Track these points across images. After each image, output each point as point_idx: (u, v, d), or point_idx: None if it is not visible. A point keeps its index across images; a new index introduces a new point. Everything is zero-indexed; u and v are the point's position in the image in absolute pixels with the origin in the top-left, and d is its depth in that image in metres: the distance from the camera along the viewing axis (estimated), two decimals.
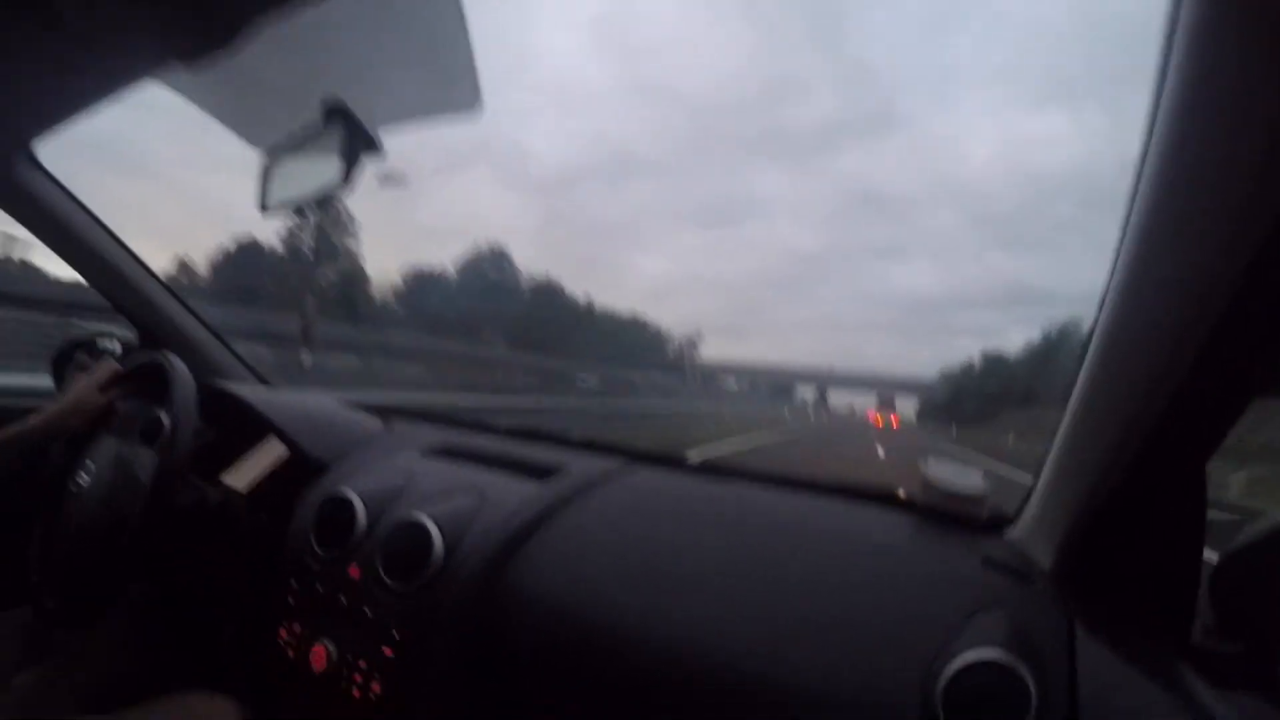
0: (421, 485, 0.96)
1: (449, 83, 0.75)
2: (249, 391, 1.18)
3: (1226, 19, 0.39)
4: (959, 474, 0.89)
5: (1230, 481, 8.34)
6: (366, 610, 0.84)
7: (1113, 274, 0.60)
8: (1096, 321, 0.64)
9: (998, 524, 0.87)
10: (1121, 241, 0.58)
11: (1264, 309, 0.49)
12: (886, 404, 42.00)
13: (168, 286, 1.31)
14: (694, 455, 1.21)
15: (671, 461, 1.15)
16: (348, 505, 0.91)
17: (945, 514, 0.87)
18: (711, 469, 1.11)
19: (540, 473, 0.97)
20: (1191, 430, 0.61)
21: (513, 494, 0.91)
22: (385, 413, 1.34)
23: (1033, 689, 0.58)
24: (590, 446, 1.19)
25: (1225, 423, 0.61)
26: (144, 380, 1.06)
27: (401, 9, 0.70)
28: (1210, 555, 0.67)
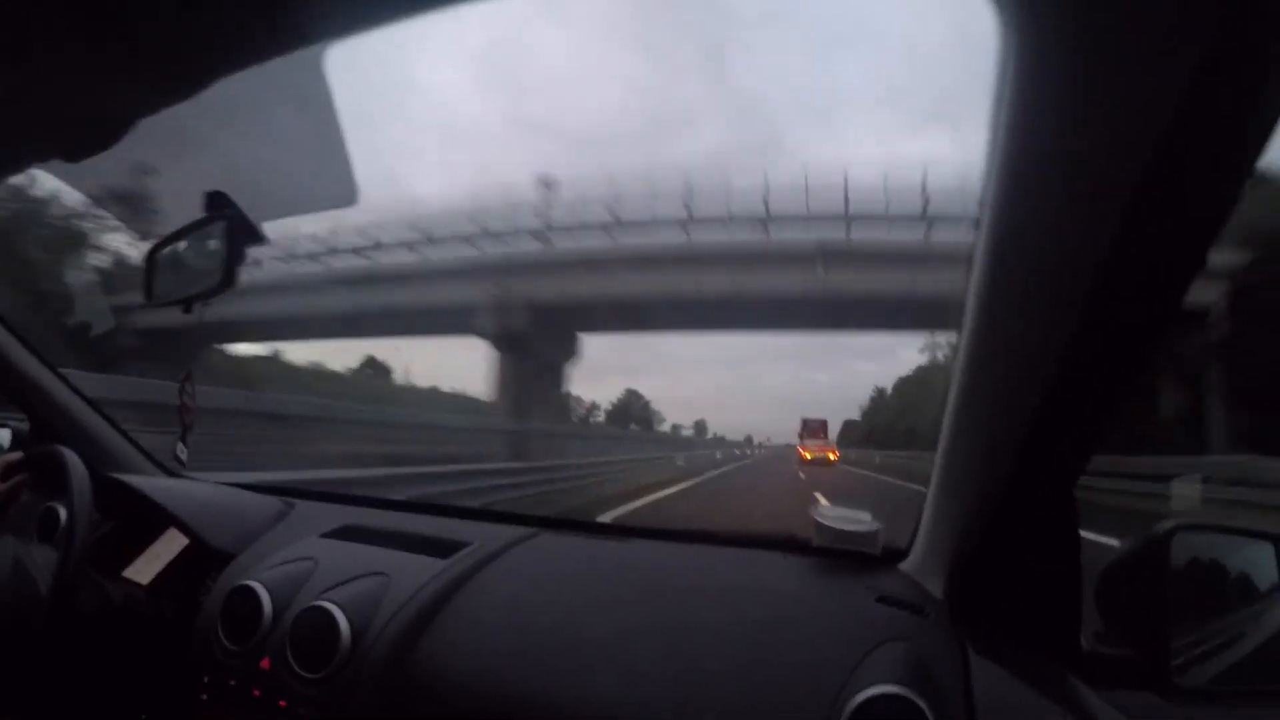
0: (325, 569, 0.94)
1: (327, 181, 0.76)
2: (146, 482, 1.12)
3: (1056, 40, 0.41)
4: (849, 514, 0.93)
5: None
6: (281, 703, 0.81)
7: (965, 305, 0.62)
8: (956, 354, 0.66)
9: (892, 557, 0.90)
10: (969, 274, 0.59)
11: (1112, 334, 0.52)
12: (815, 430, 29.94)
13: (58, 373, 1.25)
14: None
15: (574, 525, 1.17)
16: (253, 596, 0.88)
17: (842, 553, 0.90)
18: (613, 529, 1.15)
19: (445, 549, 0.96)
20: (1054, 457, 0.65)
21: (416, 572, 0.90)
22: (286, 493, 1.30)
23: (930, 717, 0.60)
24: (493, 516, 1.20)
25: (1087, 447, 0.65)
26: (38, 472, 1.01)
27: (279, 114, 0.71)
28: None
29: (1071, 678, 0.69)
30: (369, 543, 1.02)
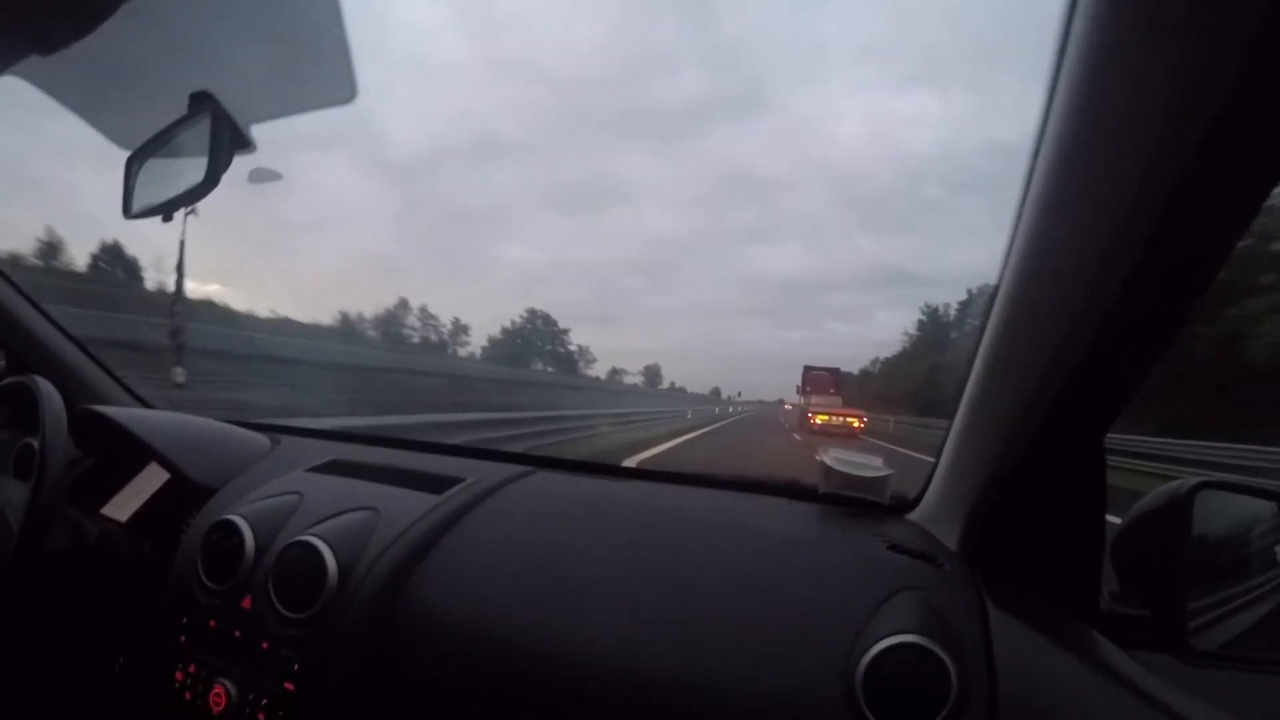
0: (312, 504, 0.90)
1: (322, 70, 0.71)
2: (125, 414, 1.08)
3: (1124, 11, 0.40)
4: (859, 459, 0.90)
5: None
6: (264, 644, 0.78)
7: (1009, 254, 0.61)
8: (993, 301, 0.65)
9: (901, 507, 0.88)
10: (1019, 221, 0.58)
11: (1158, 289, 0.50)
12: (823, 384, 22.39)
13: (37, 304, 1.20)
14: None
15: (571, 465, 1.13)
16: (235, 531, 0.85)
17: (849, 500, 0.88)
18: (612, 470, 1.12)
19: (438, 484, 0.93)
20: (1089, 406, 0.63)
21: (408, 507, 0.87)
22: (273, 430, 1.26)
23: (951, 668, 0.58)
24: (488, 454, 1.16)
25: (1122, 398, 0.63)
26: (12, 406, 0.97)
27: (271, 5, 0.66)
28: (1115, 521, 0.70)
29: (1094, 632, 0.66)
30: (358, 477, 0.98)
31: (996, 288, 0.64)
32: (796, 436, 14.82)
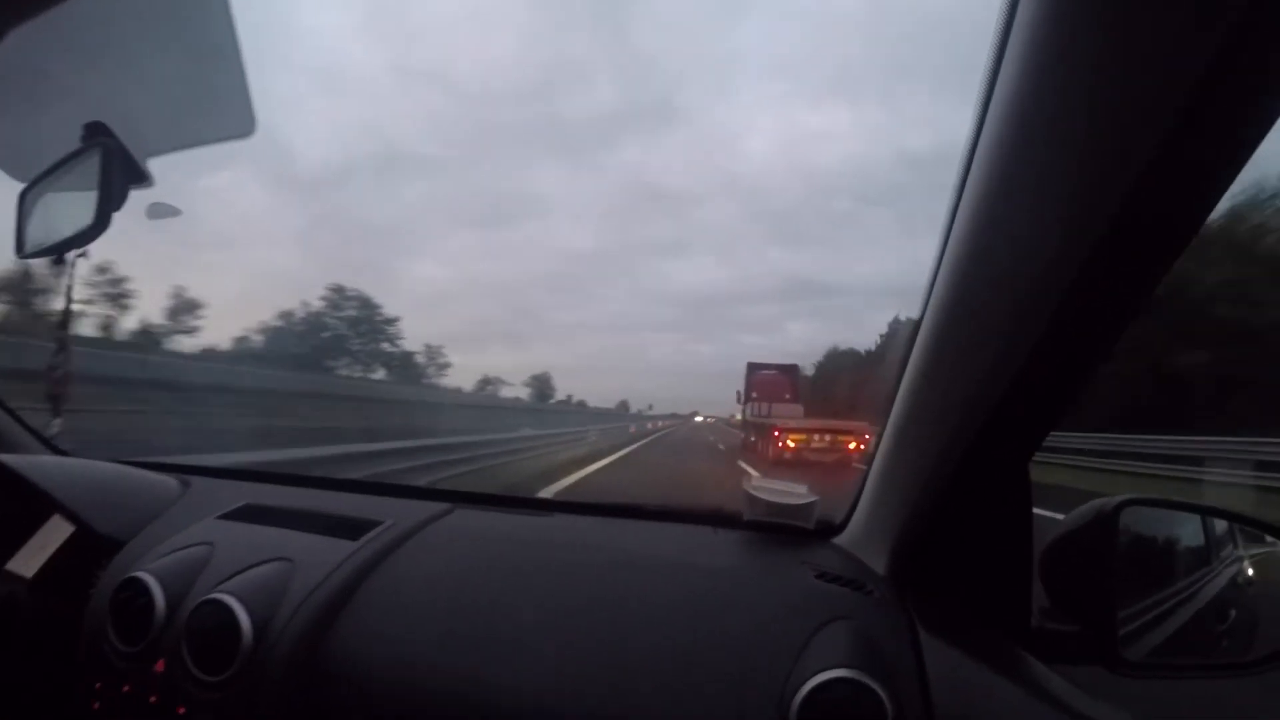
0: (225, 556, 0.86)
1: (220, 104, 0.68)
2: (24, 463, 1.01)
3: (1062, 25, 0.40)
4: (783, 487, 0.90)
5: None
6: (179, 709, 0.73)
7: (934, 281, 0.62)
8: (918, 328, 0.65)
9: (827, 531, 0.89)
10: (944, 248, 0.59)
11: (1086, 320, 0.51)
12: (776, 389, 15.89)
13: None
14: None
15: (491, 499, 1.11)
16: (144, 589, 0.80)
17: (774, 527, 0.88)
18: (532, 503, 1.10)
19: (354, 528, 0.90)
20: (1015, 431, 0.64)
21: (324, 556, 0.84)
22: (182, 471, 1.20)
23: (886, 701, 0.58)
24: (405, 492, 1.13)
25: (1048, 424, 0.64)
26: None
27: (170, 31, 0.63)
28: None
29: (1024, 653, 0.67)
30: (272, 524, 0.94)
31: (922, 314, 0.65)
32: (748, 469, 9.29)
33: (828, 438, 11.58)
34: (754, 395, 16.60)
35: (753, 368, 18.28)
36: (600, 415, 32.19)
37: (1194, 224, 0.45)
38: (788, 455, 11.46)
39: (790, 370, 18.67)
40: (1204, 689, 0.75)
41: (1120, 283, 0.49)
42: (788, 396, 15.91)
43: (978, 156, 0.52)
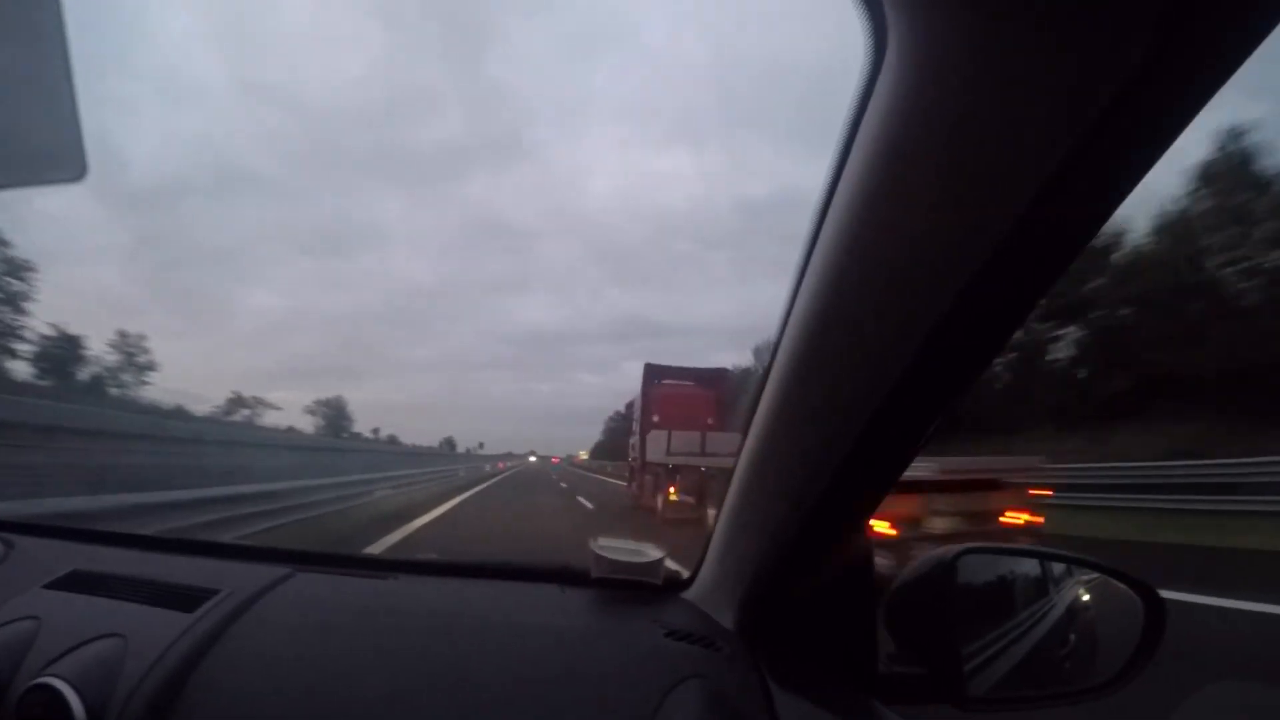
0: (53, 631, 0.79)
1: (52, 151, 0.63)
2: None
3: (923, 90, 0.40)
4: (629, 546, 0.91)
5: None
6: None
7: (780, 338, 0.63)
8: (763, 386, 0.67)
9: (676, 586, 0.90)
10: (794, 298, 0.60)
11: (927, 381, 0.53)
12: (696, 407, 10.59)
13: None
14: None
15: (331, 559, 1.08)
16: None
17: (622, 584, 0.89)
18: (373, 563, 1.08)
19: (189, 599, 0.85)
20: (855, 491, 0.67)
21: (159, 631, 0.79)
22: (6, 529, 1.10)
23: None
24: (242, 553, 1.09)
25: (886, 483, 0.67)
26: None
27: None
28: None
29: (873, 700, 0.70)
30: (103, 593, 0.87)
31: (769, 366, 0.66)
32: None
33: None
34: (655, 419, 10.97)
35: (654, 374, 11.81)
36: (408, 457, 24.17)
37: (1057, 270, 0.46)
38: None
39: (716, 380, 12.23)
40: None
41: (964, 345, 0.50)
42: (710, 421, 10.58)
43: (826, 224, 0.52)
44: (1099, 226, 0.44)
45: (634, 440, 12.47)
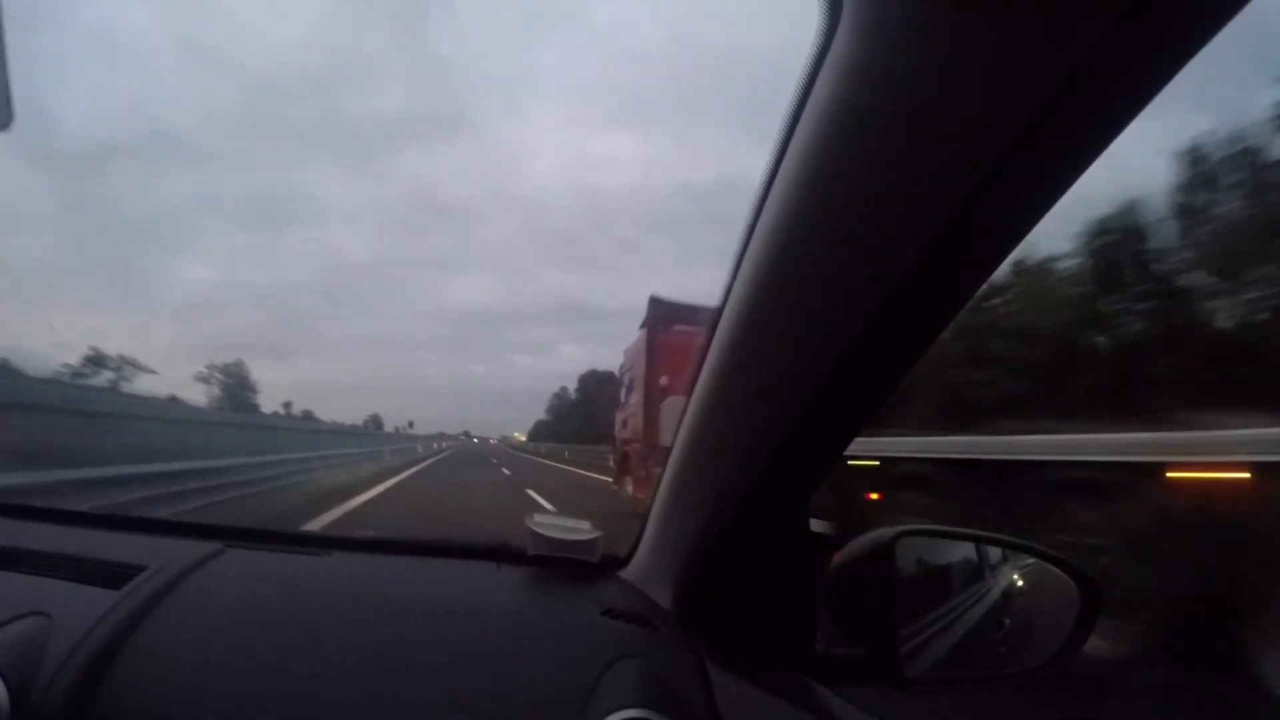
0: None
1: None
2: None
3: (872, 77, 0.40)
4: (566, 523, 0.91)
5: None
6: None
7: (717, 324, 0.63)
8: (702, 362, 0.67)
9: (613, 564, 0.90)
10: (732, 280, 0.60)
11: (867, 364, 0.54)
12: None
13: None
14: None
15: (264, 536, 1.06)
16: None
17: (559, 561, 0.89)
18: (308, 539, 1.07)
19: (116, 575, 0.82)
20: (793, 473, 0.67)
21: (85, 608, 0.76)
22: None
23: None
24: (172, 529, 1.06)
25: (825, 466, 0.68)
26: None
27: None
28: None
29: (810, 680, 0.71)
30: (26, 570, 0.84)
31: (707, 347, 0.66)
32: None
33: None
34: (664, 381, 8.14)
35: (663, 315, 8.54)
36: (318, 436, 21.22)
37: (986, 268, 0.48)
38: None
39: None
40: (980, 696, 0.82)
41: (904, 329, 0.52)
42: None
43: (772, 194, 0.53)
44: (1035, 220, 0.46)
45: (625, 415, 8.97)
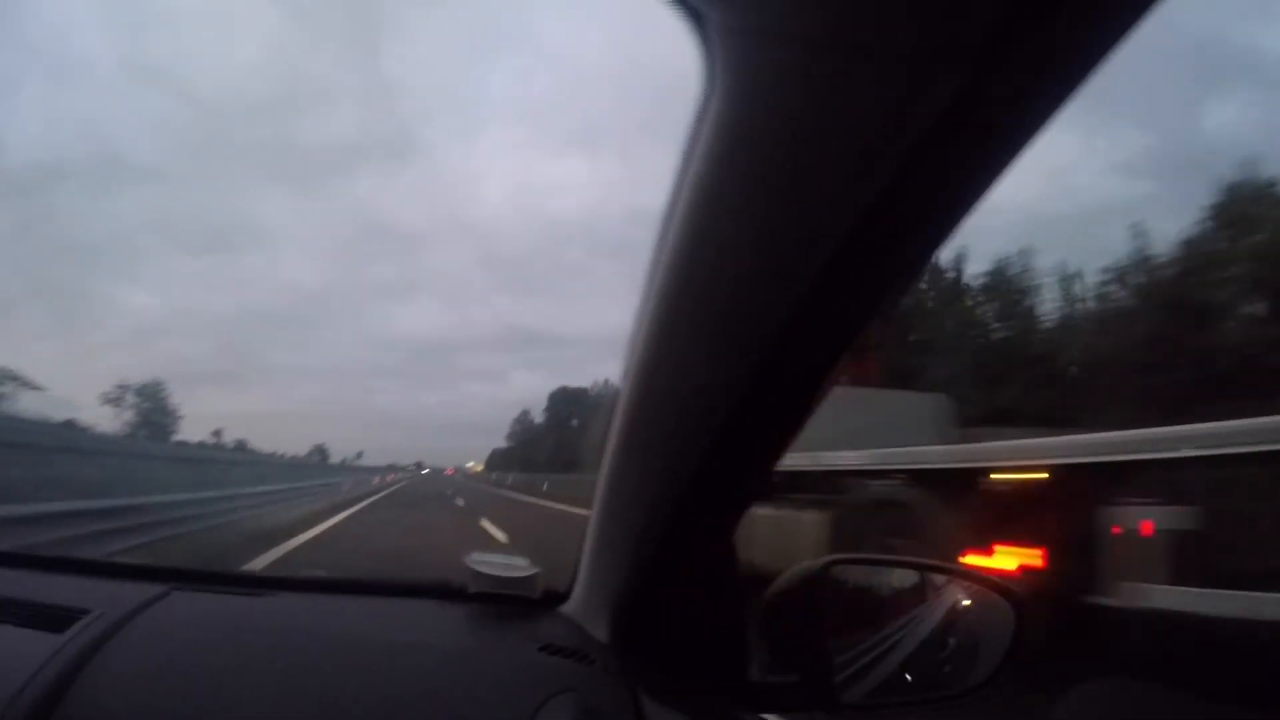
0: None
1: None
2: None
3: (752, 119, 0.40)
4: (503, 560, 0.91)
5: None
6: None
7: (631, 354, 0.62)
8: (619, 402, 0.67)
9: (554, 600, 0.90)
10: (638, 327, 0.59)
11: (776, 391, 0.54)
12: None
13: None
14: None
15: (208, 578, 1.06)
16: None
17: (500, 598, 0.88)
18: (252, 581, 1.07)
19: (58, 619, 0.81)
20: (716, 505, 0.67)
21: (26, 653, 0.74)
22: None
23: None
24: (115, 571, 1.06)
25: (745, 494, 0.69)
26: None
27: None
28: None
29: (743, 710, 0.71)
30: None
31: (623, 377, 0.65)
32: None
33: None
34: None
35: None
36: (246, 469, 16.85)
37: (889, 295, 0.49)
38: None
39: None
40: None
41: (805, 358, 0.52)
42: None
43: (676, 220, 0.51)
44: (930, 253, 0.46)
45: None
